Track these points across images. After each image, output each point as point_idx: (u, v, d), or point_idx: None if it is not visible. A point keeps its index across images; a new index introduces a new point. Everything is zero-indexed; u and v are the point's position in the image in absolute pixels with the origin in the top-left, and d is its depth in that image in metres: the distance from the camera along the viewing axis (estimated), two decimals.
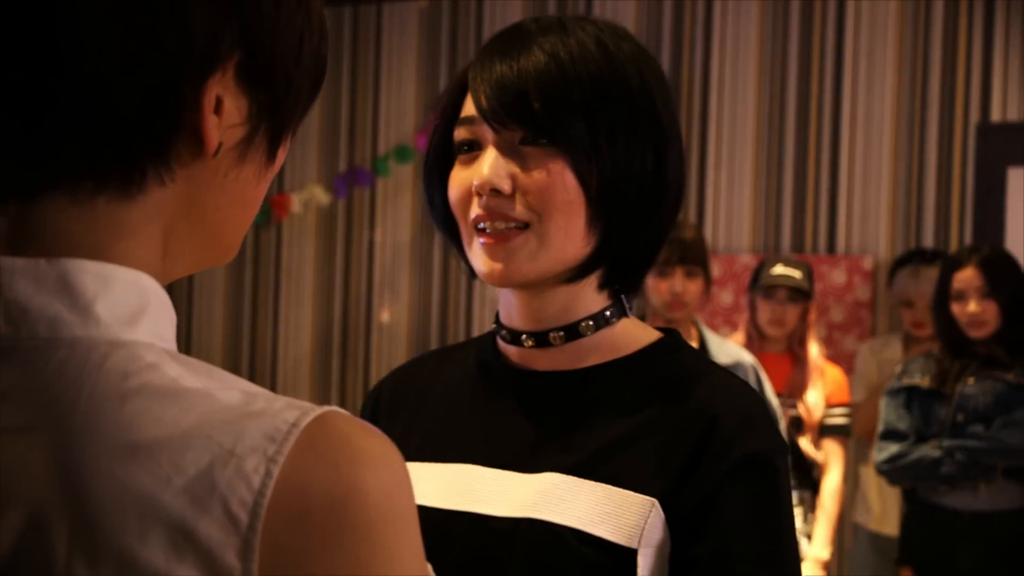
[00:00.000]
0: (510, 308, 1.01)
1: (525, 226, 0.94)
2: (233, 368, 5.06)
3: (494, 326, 1.05)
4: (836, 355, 3.90)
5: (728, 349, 2.83)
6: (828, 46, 4.22)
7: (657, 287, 2.80)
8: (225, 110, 0.61)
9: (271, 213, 4.95)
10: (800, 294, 3.15)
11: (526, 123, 0.94)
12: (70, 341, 0.57)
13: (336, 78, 4.95)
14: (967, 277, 2.91)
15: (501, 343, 1.03)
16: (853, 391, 3.64)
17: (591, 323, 0.99)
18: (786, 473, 0.95)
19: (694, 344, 2.83)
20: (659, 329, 1.04)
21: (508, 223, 0.94)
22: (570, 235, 0.94)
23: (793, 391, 3.15)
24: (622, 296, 1.01)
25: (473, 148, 0.97)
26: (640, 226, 0.97)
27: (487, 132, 0.96)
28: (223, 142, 0.61)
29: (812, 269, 3.29)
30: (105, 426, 0.54)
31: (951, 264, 2.99)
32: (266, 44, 0.62)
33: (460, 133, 0.98)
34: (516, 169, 0.94)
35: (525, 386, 1.00)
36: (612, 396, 0.97)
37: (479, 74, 0.96)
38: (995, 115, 3.99)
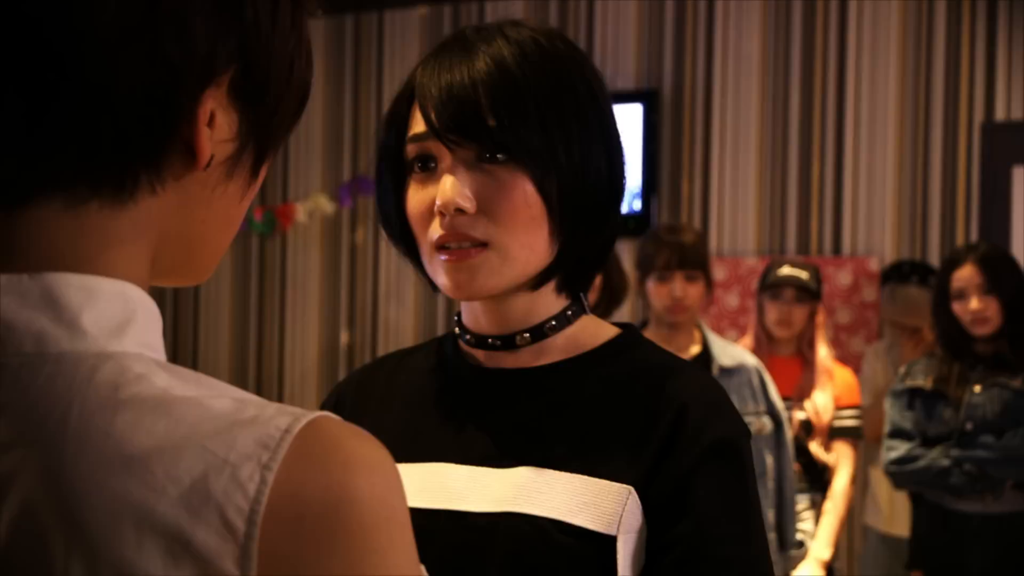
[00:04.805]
0: (474, 314, 1.03)
1: (484, 244, 0.95)
2: (240, 379, 5.06)
3: (456, 329, 1.07)
4: (843, 357, 3.90)
5: (732, 351, 2.82)
6: (831, 46, 4.22)
7: (658, 291, 2.80)
8: (217, 124, 0.61)
9: (276, 223, 4.96)
10: (807, 293, 3.15)
11: (483, 140, 0.94)
12: (57, 356, 0.57)
13: (339, 87, 4.96)
14: (966, 275, 2.90)
15: (465, 346, 1.05)
16: (860, 395, 3.64)
17: (554, 323, 1.02)
18: (750, 455, 0.98)
19: (697, 347, 2.83)
20: (617, 325, 1.07)
21: (472, 241, 0.95)
22: (534, 249, 0.96)
23: (803, 394, 3.13)
24: (580, 294, 1.04)
25: (427, 163, 0.97)
26: (598, 230, 1.00)
27: (442, 150, 0.95)
28: (214, 155, 0.62)
29: (820, 271, 3.28)
30: (97, 439, 0.54)
31: (949, 263, 2.98)
32: (261, 61, 0.62)
33: (412, 150, 0.97)
34: (478, 187, 0.94)
35: (492, 384, 1.02)
36: (578, 390, 1.00)
37: (427, 91, 0.95)
38: (999, 114, 3.98)
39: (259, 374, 5.08)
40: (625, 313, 4.07)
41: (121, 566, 0.52)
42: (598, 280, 2.79)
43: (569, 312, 1.02)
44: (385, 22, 4.92)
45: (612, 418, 0.97)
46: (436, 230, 0.96)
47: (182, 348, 5.17)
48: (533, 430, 0.98)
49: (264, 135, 0.65)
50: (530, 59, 0.95)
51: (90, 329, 0.58)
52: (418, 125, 0.97)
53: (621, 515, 0.93)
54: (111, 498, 0.53)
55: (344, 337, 4.93)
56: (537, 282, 0.99)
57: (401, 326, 4.81)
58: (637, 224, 4.30)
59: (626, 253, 4.19)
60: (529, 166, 0.94)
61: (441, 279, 0.98)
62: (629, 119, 4.38)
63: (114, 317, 0.59)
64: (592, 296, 2.79)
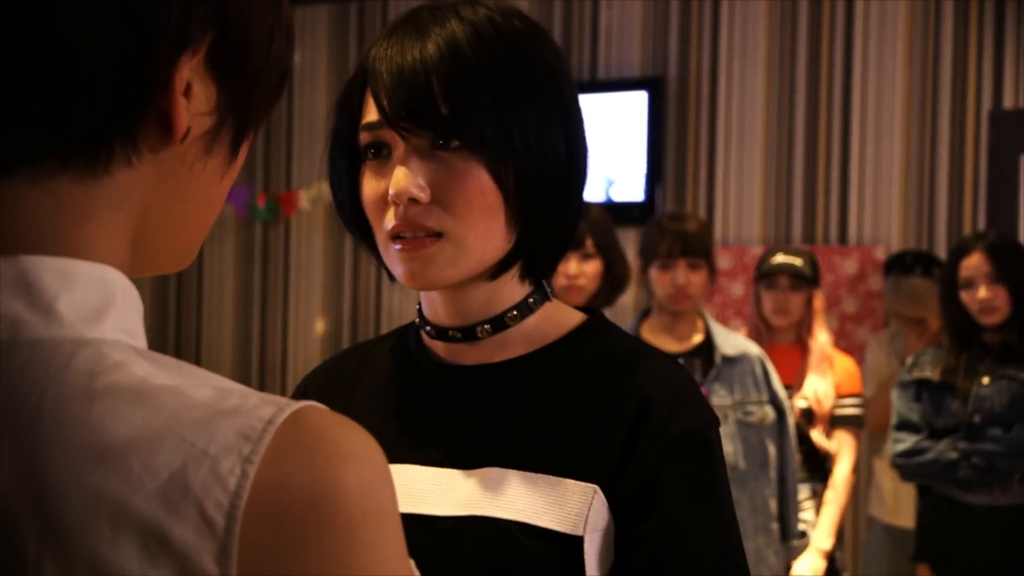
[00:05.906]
0: (434, 305, 1.01)
1: (439, 234, 0.93)
2: (244, 367, 5.06)
3: (416, 320, 1.05)
4: (849, 346, 3.88)
5: (734, 340, 2.81)
6: (837, 33, 4.18)
7: (660, 279, 2.79)
8: (194, 95, 0.60)
9: (279, 210, 4.94)
10: (802, 280, 3.13)
11: (436, 128, 0.91)
12: (32, 342, 0.55)
13: (343, 74, 4.94)
14: (975, 263, 2.88)
15: (426, 338, 1.03)
16: (864, 385, 3.63)
17: (516, 313, 0.99)
18: (719, 445, 0.96)
19: (700, 335, 2.82)
20: (582, 310, 1.04)
21: (427, 231, 0.93)
22: (490, 238, 0.94)
23: (804, 383, 3.12)
24: (543, 281, 1.02)
25: (381, 151, 0.95)
26: (557, 215, 0.97)
27: (395, 137, 0.93)
28: (191, 128, 0.60)
29: (816, 257, 3.26)
30: (72, 429, 0.52)
31: (958, 252, 2.95)
32: (238, 30, 0.61)
33: (365, 137, 0.95)
34: (431, 176, 0.92)
35: (455, 382, 1.00)
36: (543, 385, 0.98)
37: (379, 76, 0.93)
38: (1007, 102, 3.95)
39: (263, 363, 5.07)
40: (627, 301, 4.05)
41: (96, 563, 0.51)
42: (599, 268, 2.77)
43: (531, 300, 1.00)
44: (389, 9, 4.89)
45: (576, 414, 0.95)
46: (390, 220, 0.93)
47: (185, 337, 5.17)
48: (496, 430, 0.96)
49: (243, 111, 0.63)
50: (485, 40, 0.92)
51: (67, 315, 0.56)
52: (371, 112, 0.94)
53: (587, 515, 0.91)
54: (86, 492, 0.51)
55: (347, 326, 4.91)
56: (495, 271, 0.97)
57: (404, 313, 4.80)
58: (641, 212, 4.27)
59: (630, 242, 4.16)
60: (483, 153, 0.91)
61: (396, 268, 0.96)
62: (634, 107, 4.35)
63: (92, 302, 0.57)
64: (593, 284, 2.77)
